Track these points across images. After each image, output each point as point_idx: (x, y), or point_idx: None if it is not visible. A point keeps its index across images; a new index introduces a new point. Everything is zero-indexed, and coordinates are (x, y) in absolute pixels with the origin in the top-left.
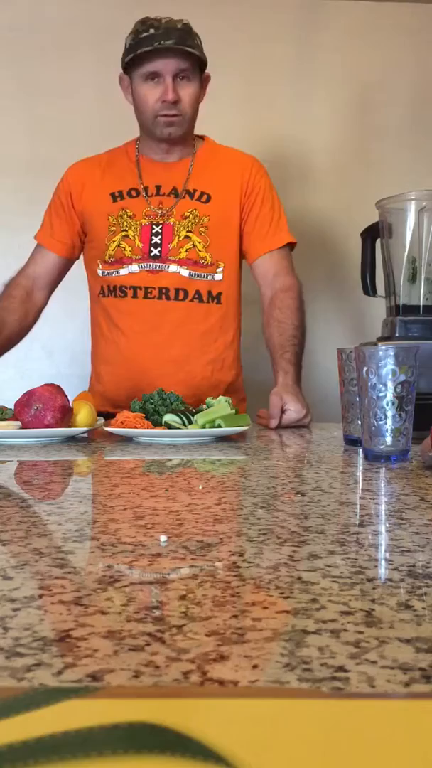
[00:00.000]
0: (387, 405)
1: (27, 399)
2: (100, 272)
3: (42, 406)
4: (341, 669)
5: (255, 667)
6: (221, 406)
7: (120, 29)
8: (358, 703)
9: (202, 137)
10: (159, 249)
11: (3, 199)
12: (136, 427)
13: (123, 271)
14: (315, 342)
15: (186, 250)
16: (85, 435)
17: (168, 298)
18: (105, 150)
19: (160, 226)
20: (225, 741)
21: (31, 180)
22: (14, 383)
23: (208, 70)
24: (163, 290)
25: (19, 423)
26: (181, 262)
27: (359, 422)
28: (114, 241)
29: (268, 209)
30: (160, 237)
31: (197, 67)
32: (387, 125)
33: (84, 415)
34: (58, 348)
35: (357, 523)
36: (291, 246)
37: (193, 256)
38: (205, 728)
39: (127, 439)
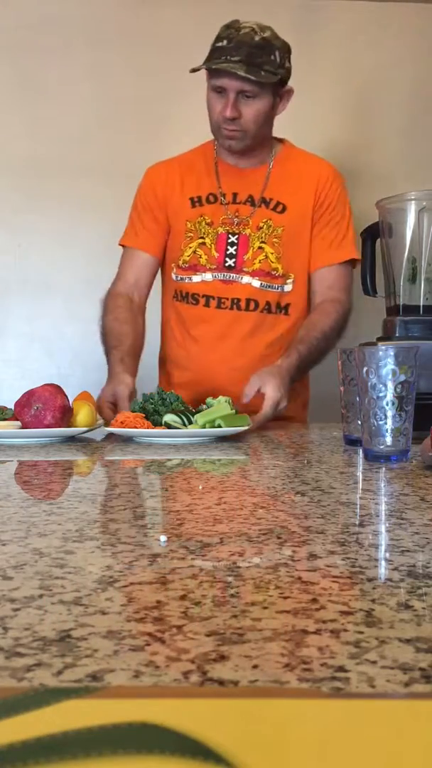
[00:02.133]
0: (387, 405)
1: (27, 399)
2: (174, 276)
3: (42, 406)
4: (341, 669)
5: (255, 667)
6: (221, 406)
7: (120, 29)
8: (358, 703)
9: (281, 140)
10: (234, 260)
11: (2, 199)
12: (136, 427)
13: (196, 278)
14: None
15: (259, 261)
16: (85, 435)
17: (239, 308)
18: (105, 148)
19: (237, 236)
20: (225, 741)
21: (31, 180)
22: (14, 383)
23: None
24: (236, 300)
25: (19, 423)
26: (254, 273)
27: (359, 422)
28: (190, 248)
29: (336, 221)
30: (236, 248)
31: (269, 84)
32: (387, 125)
33: (84, 415)
34: (58, 348)
35: (357, 523)
36: (354, 263)
37: (266, 267)
38: (205, 728)
39: (127, 439)
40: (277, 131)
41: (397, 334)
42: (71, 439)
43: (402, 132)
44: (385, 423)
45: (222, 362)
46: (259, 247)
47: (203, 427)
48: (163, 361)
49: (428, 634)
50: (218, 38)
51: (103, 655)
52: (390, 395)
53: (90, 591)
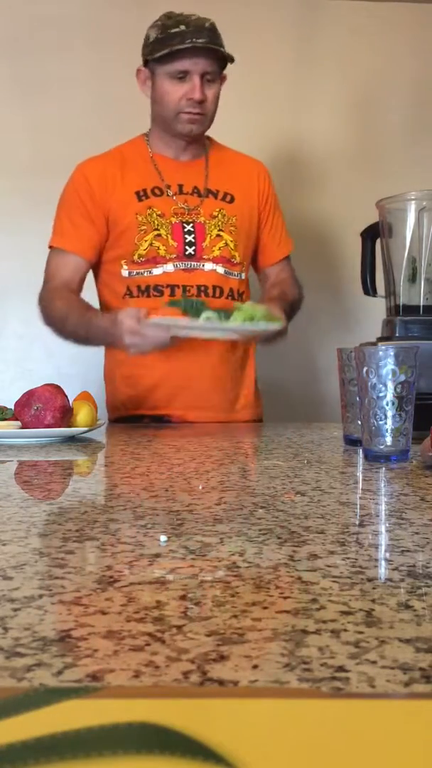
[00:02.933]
0: (387, 405)
1: (27, 399)
2: (125, 272)
3: (42, 406)
4: (341, 669)
5: (255, 667)
6: (256, 307)
7: (120, 29)
8: (358, 703)
9: (207, 137)
10: (194, 248)
11: (2, 200)
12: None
13: (156, 271)
14: (314, 342)
15: (219, 248)
16: (85, 435)
17: (207, 295)
18: (105, 148)
19: (192, 224)
20: (225, 741)
21: (30, 181)
22: (14, 383)
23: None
24: (202, 288)
25: (19, 423)
26: (215, 260)
27: (359, 422)
28: (146, 240)
29: (279, 217)
30: (193, 236)
31: (220, 68)
32: (387, 125)
33: (84, 415)
34: (58, 348)
35: (357, 523)
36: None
37: (226, 254)
38: (205, 728)
39: (127, 439)
40: (276, 130)
41: (397, 334)
42: (71, 439)
43: (402, 131)
44: (385, 423)
45: (194, 349)
46: (218, 235)
47: (243, 322)
48: (116, 369)
49: (428, 634)
50: (170, 25)
51: (103, 655)
52: (390, 395)
53: (90, 591)
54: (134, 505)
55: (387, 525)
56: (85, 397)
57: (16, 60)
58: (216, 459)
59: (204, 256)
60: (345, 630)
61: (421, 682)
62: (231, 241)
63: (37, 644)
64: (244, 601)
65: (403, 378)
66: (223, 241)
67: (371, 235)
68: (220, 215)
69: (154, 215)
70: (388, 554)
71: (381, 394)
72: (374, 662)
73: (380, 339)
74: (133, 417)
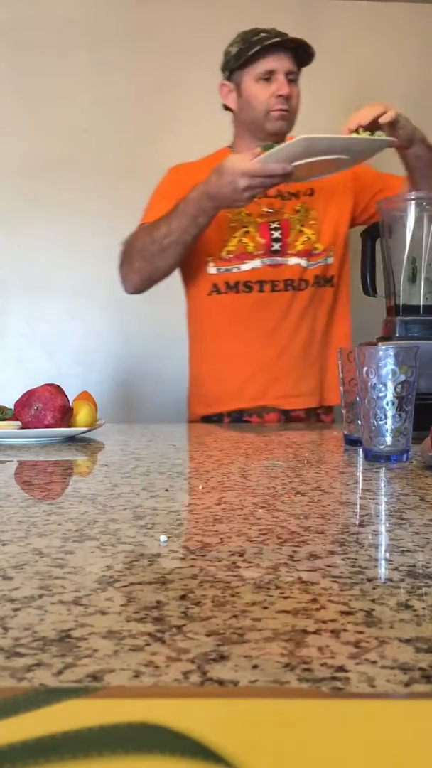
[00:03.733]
0: (387, 405)
1: (27, 399)
2: (213, 270)
3: (42, 406)
4: (341, 669)
5: (255, 667)
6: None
7: (120, 29)
8: (358, 703)
9: None
10: (280, 243)
11: (2, 199)
12: None
13: (245, 267)
14: None
15: (302, 243)
16: (85, 435)
17: (294, 288)
18: (105, 148)
19: (277, 222)
20: (225, 741)
21: (30, 180)
22: (14, 383)
23: (211, 72)
24: (289, 282)
25: (19, 423)
26: (299, 254)
27: (359, 422)
28: (235, 237)
29: (376, 176)
30: (279, 232)
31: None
32: None
33: (84, 415)
34: (59, 348)
35: (357, 523)
36: None
37: (308, 248)
38: (205, 728)
39: (127, 439)
40: None
41: (397, 334)
42: (71, 439)
43: None
44: (385, 423)
45: (282, 342)
46: (300, 230)
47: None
48: (201, 360)
49: (428, 634)
50: (251, 35)
51: (103, 655)
52: (390, 395)
53: (90, 591)
54: (134, 505)
55: (387, 525)
56: (85, 397)
57: (17, 60)
58: (216, 459)
59: (289, 251)
60: (345, 630)
61: (421, 682)
62: (312, 234)
63: (37, 644)
64: (244, 601)
65: (403, 378)
66: (305, 236)
67: (371, 235)
68: (302, 209)
69: (243, 213)
70: (388, 554)
71: (381, 394)
72: (374, 662)
73: (380, 339)
74: (217, 415)
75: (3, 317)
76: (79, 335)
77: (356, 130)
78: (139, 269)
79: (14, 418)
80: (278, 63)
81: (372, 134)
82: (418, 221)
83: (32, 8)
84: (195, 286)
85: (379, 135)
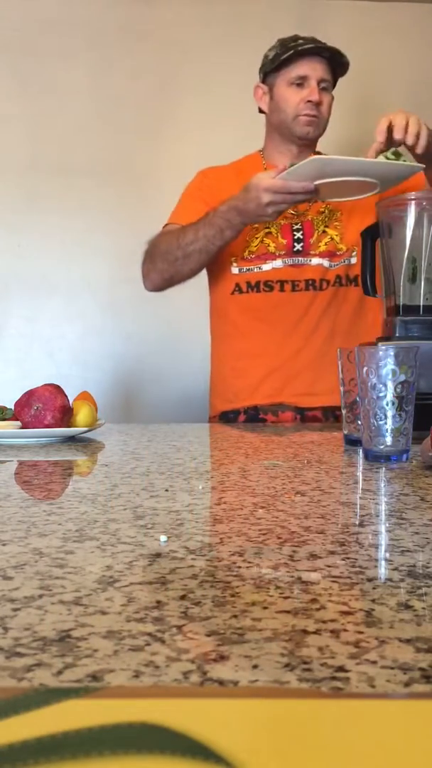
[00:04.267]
0: (387, 405)
1: (27, 399)
2: (235, 270)
3: (42, 406)
4: (341, 669)
5: (255, 667)
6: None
7: (120, 29)
8: (358, 703)
9: (318, 152)
10: (302, 244)
11: (2, 199)
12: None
13: (266, 267)
14: None
15: (325, 244)
16: (85, 435)
17: (315, 288)
18: (105, 148)
19: (300, 223)
20: (225, 741)
21: (30, 180)
22: (14, 383)
23: (211, 72)
24: (311, 282)
25: (19, 423)
26: (321, 255)
27: (359, 422)
28: (257, 238)
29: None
30: (301, 232)
31: (333, 80)
32: None
33: (84, 415)
34: (59, 348)
35: (357, 523)
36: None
37: (332, 248)
38: (205, 728)
39: (127, 439)
40: None
41: (397, 334)
42: (71, 439)
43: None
44: (385, 423)
45: (301, 341)
46: (323, 231)
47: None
48: (222, 358)
49: (428, 634)
50: (288, 41)
51: (103, 655)
52: (390, 395)
53: (90, 591)
54: (134, 505)
55: (387, 525)
56: (85, 397)
57: (17, 61)
58: (216, 459)
59: (311, 252)
60: (345, 630)
61: (421, 682)
62: (336, 235)
63: (37, 644)
64: (244, 601)
65: (403, 378)
66: (329, 237)
67: (371, 235)
68: (327, 210)
69: None
70: (388, 554)
71: (381, 394)
72: (374, 662)
73: (380, 339)
74: (234, 411)
75: (3, 317)
76: (79, 335)
77: (384, 151)
78: (161, 270)
79: (14, 418)
80: (311, 70)
81: (398, 158)
82: (418, 221)
83: (32, 8)
84: (218, 286)
85: (404, 159)
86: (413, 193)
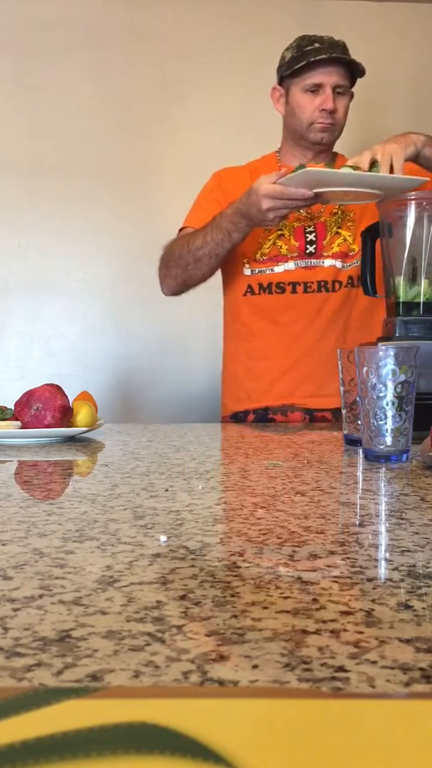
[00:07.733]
0: (387, 405)
1: (27, 399)
2: (248, 271)
3: (42, 406)
4: (341, 669)
5: (255, 667)
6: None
7: (120, 29)
8: (358, 703)
9: (334, 152)
10: (314, 246)
11: (3, 199)
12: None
13: (278, 269)
14: None
15: (338, 245)
16: (85, 435)
17: (327, 290)
18: (105, 148)
19: (313, 225)
20: (225, 741)
21: (31, 180)
22: (14, 383)
23: (211, 72)
24: (323, 283)
25: (19, 423)
26: (334, 256)
27: (359, 422)
28: (269, 240)
29: (416, 167)
30: (314, 234)
31: (350, 83)
32: (387, 125)
33: (84, 415)
34: (59, 348)
35: (357, 523)
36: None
37: (345, 249)
38: (205, 728)
39: (127, 439)
40: (277, 131)
41: (397, 334)
42: (71, 439)
43: (402, 131)
44: (385, 423)
45: (311, 342)
46: (336, 233)
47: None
48: (237, 362)
49: (428, 634)
50: (305, 44)
51: (103, 655)
52: (390, 395)
53: (90, 591)
54: (134, 505)
55: (387, 525)
56: (85, 397)
57: (17, 61)
58: (216, 459)
59: (324, 253)
60: (345, 630)
61: (421, 682)
62: (349, 236)
63: (37, 644)
64: (244, 601)
65: (403, 378)
66: (342, 238)
67: (371, 235)
68: (340, 211)
69: None
70: (388, 554)
71: (381, 394)
72: (374, 662)
73: (380, 339)
74: (244, 412)
75: (3, 317)
76: (79, 335)
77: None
78: (175, 275)
79: (14, 418)
80: (326, 76)
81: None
82: (418, 221)
83: (33, 8)
84: (231, 287)
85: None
86: (413, 193)
